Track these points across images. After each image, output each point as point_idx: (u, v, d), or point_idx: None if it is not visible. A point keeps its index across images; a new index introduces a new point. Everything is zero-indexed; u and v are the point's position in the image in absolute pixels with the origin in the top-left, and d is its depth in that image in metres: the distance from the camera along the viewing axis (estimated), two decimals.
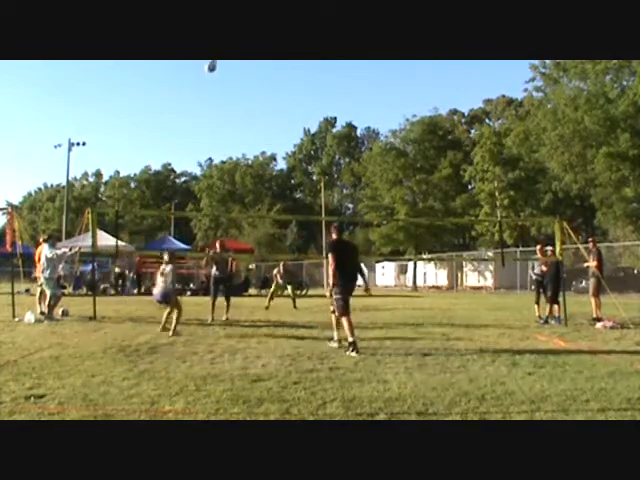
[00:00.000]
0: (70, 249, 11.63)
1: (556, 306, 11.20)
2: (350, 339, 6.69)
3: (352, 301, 7.24)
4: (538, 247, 12.32)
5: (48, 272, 10.62)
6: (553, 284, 11.38)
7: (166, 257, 9.12)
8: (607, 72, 30.04)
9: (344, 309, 6.96)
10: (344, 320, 6.89)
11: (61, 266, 12.38)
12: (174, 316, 8.66)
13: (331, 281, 7.07)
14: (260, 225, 49.50)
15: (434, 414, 4.01)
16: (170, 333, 8.38)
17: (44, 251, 10.78)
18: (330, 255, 7.04)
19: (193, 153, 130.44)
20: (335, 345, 7.18)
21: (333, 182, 71.21)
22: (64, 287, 17.64)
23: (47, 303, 10.68)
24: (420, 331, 9.30)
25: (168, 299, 8.88)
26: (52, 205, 78.01)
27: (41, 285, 11.13)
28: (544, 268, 11.71)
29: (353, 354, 6.47)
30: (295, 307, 14.72)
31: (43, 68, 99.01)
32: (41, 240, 12.11)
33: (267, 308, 14.08)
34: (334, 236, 7.37)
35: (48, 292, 10.67)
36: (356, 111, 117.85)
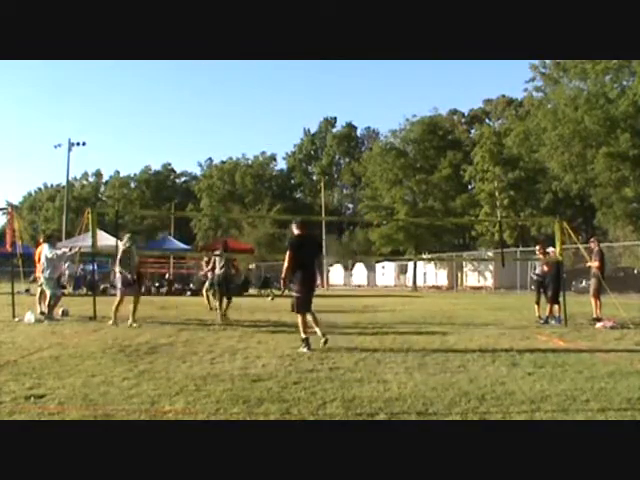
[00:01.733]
0: (70, 249, 11.61)
1: (556, 306, 11.20)
2: (303, 335, 6.81)
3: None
4: (538, 247, 12.34)
5: (48, 272, 10.61)
6: (554, 284, 11.38)
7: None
8: (607, 72, 30.03)
9: (302, 307, 7.00)
10: (299, 317, 6.95)
11: (67, 265, 12.39)
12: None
13: (283, 275, 7.19)
14: (260, 225, 49.48)
15: (434, 414, 4.01)
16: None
17: (44, 251, 10.77)
18: (288, 252, 7.04)
19: (193, 153, 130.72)
20: (322, 341, 7.01)
21: (333, 182, 71.26)
22: (64, 287, 17.61)
23: (47, 303, 10.68)
24: (420, 331, 9.30)
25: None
26: (52, 205, 78.04)
27: (41, 285, 11.12)
28: (545, 268, 11.72)
29: (304, 350, 6.62)
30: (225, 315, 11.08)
31: (43, 68, 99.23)
32: (41, 240, 12.10)
33: (211, 309, 12.59)
34: (295, 232, 7.25)
35: (48, 292, 10.66)
36: (356, 111, 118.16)
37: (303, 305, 7.01)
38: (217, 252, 12.01)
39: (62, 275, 13.08)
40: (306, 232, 7.38)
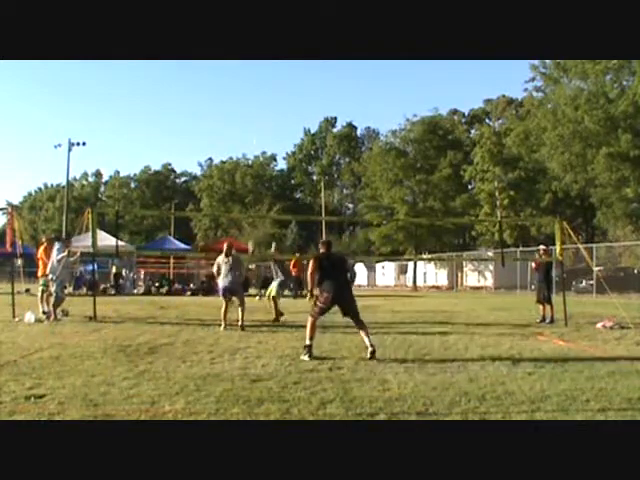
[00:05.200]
0: (68, 253, 11.38)
1: (549, 306, 11.23)
2: (307, 342, 6.49)
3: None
4: (542, 247, 12.40)
5: (55, 273, 10.59)
6: (548, 284, 11.51)
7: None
8: (607, 72, 30.01)
9: (317, 312, 6.73)
10: (309, 321, 6.69)
11: (81, 268, 12.29)
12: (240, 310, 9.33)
13: (309, 285, 7.11)
14: (260, 225, 49.51)
15: (434, 414, 4.01)
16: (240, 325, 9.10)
17: (54, 251, 10.72)
18: (311, 262, 7.03)
19: (193, 153, 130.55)
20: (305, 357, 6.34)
21: (333, 182, 71.19)
22: (65, 287, 17.60)
23: (52, 303, 10.67)
24: (420, 331, 9.30)
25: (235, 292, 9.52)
26: (52, 205, 78.00)
27: (42, 285, 11.13)
28: (533, 265, 11.90)
29: (306, 358, 6.25)
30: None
31: (43, 67, 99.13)
32: (43, 240, 12.08)
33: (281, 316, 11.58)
34: (321, 250, 7.16)
35: (53, 291, 10.66)
36: (356, 111, 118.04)
37: (320, 313, 6.80)
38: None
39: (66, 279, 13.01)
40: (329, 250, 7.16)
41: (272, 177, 73.65)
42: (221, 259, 9.55)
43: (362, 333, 6.60)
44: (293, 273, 17.33)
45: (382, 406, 4.18)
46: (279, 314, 10.90)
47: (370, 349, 6.31)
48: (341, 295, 6.74)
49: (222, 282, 9.46)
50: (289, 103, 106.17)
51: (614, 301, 11.47)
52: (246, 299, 14.94)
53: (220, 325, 9.48)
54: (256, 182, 68.90)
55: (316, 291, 6.83)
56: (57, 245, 10.84)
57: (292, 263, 17.15)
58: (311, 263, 7.05)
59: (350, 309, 6.77)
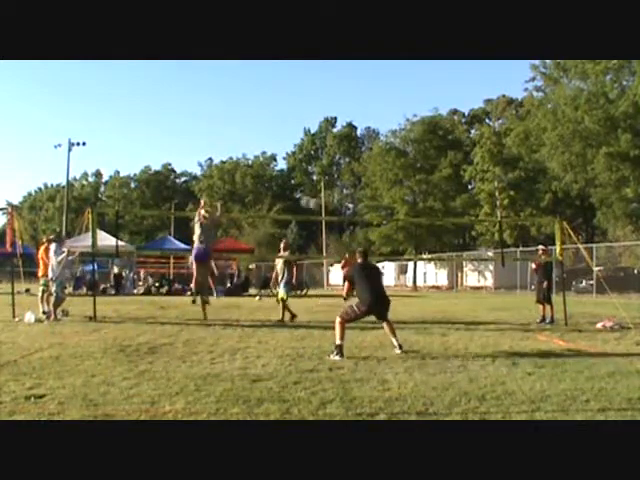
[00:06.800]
0: (68, 252, 11.36)
1: (549, 306, 11.23)
2: (338, 341, 6.49)
3: (352, 302, 7.17)
4: (541, 247, 12.40)
5: (55, 273, 10.57)
6: (549, 283, 11.52)
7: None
8: (607, 72, 30.01)
9: (349, 317, 6.83)
10: (339, 324, 6.66)
11: (81, 268, 12.36)
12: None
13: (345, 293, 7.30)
14: (260, 225, 49.54)
15: (434, 414, 4.01)
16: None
17: (52, 252, 10.73)
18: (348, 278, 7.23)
19: (193, 153, 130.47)
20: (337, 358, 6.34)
21: (333, 182, 71.18)
22: (65, 287, 17.60)
23: (53, 303, 10.66)
24: (420, 331, 9.30)
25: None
26: (52, 205, 77.96)
27: (43, 285, 11.12)
28: (533, 266, 11.91)
29: (337, 358, 6.25)
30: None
31: (43, 68, 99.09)
32: (44, 240, 12.07)
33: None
34: (359, 260, 7.36)
35: (54, 291, 10.65)
36: (356, 111, 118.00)
37: (352, 319, 6.92)
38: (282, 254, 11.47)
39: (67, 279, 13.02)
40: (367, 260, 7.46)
41: (272, 177, 73.60)
42: None
43: (389, 332, 7.01)
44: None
45: (382, 406, 4.18)
46: (292, 316, 10.85)
47: (397, 344, 6.79)
48: (378, 304, 6.96)
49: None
50: (289, 103, 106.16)
51: (614, 301, 11.47)
52: (246, 299, 15.02)
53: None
54: (256, 182, 68.88)
55: (354, 300, 7.04)
56: (53, 247, 10.83)
57: (343, 263, 16.47)
58: (346, 274, 7.31)
59: (382, 313, 7.09)
